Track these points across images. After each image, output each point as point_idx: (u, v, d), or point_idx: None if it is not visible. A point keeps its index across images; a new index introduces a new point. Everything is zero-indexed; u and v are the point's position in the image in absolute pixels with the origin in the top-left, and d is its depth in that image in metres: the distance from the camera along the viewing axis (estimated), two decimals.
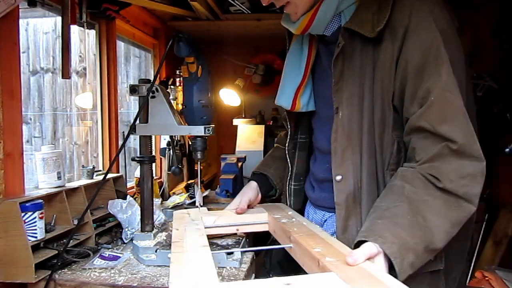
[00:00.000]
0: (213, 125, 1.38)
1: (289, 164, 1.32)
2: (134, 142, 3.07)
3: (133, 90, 1.36)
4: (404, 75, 0.99)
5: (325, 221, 1.21)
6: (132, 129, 1.35)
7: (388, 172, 1.04)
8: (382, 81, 1.02)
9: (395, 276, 0.82)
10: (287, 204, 1.36)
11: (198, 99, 1.35)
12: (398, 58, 0.99)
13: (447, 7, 1.02)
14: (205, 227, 1.17)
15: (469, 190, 0.93)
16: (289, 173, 1.33)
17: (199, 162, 1.42)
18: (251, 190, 1.39)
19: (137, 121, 1.34)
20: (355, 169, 1.05)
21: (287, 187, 1.34)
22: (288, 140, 1.32)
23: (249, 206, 1.36)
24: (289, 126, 1.32)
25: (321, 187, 1.21)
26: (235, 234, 1.37)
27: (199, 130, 1.35)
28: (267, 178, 1.42)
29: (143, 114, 1.36)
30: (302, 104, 1.21)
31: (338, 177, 1.06)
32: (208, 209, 1.41)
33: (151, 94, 1.34)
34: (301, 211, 1.34)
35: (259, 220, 1.23)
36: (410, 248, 0.88)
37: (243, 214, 1.29)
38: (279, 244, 1.15)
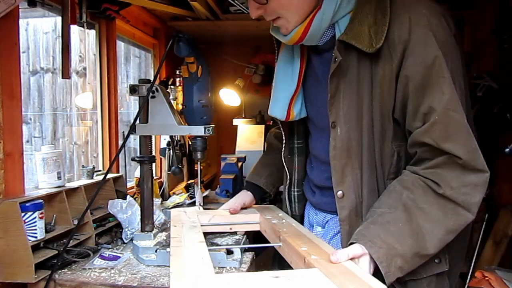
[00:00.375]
0: (213, 125, 1.38)
1: (287, 171, 1.30)
2: (134, 142, 3.07)
3: (133, 90, 1.36)
4: (406, 92, 0.97)
5: (326, 222, 1.21)
6: (132, 129, 1.35)
7: (388, 182, 1.05)
8: (381, 96, 1.00)
9: (383, 278, 0.87)
10: (288, 211, 1.34)
11: (198, 99, 1.35)
12: (398, 73, 0.97)
13: (444, 13, 0.99)
14: (201, 225, 1.19)
15: (469, 199, 0.93)
16: (288, 180, 1.31)
17: (199, 162, 1.42)
18: (246, 195, 1.45)
19: (137, 121, 1.34)
20: (356, 184, 1.04)
21: (288, 194, 1.32)
22: (283, 147, 1.30)
23: (243, 208, 1.42)
24: (282, 133, 1.29)
25: (322, 193, 1.20)
26: (235, 233, 1.38)
27: (199, 130, 1.35)
28: (260, 187, 1.45)
29: (143, 114, 1.36)
30: (296, 113, 1.19)
31: (339, 193, 1.05)
32: (205, 209, 1.42)
33: (151, 94, 1.34)
34: (304, 216, 1.34)
35: (251, 220, 1.27)
36: (397, 254, 0.90)
37: (236, 214, 1.32)
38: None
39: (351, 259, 0.88)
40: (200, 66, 1.34)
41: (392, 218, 0.94)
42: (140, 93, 1.36)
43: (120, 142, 2.17)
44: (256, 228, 1.27)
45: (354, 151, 1.03)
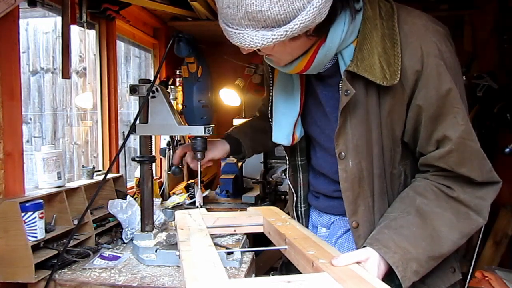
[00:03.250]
0: (213, 125, 1.38)
1: (292, 189, 1.28)
2: (134, 142, 3.07)
3: (133, 90, 1.36)
4: (418, 119, 0.97)
5: (332, 223, 1.20)
6: (132, 129, 1.35)
7: None
8: (391, 124, 0.99)
9: (400, 284, 0.88)
10: None
11: (198, 99, 1.35)
12: (409, 102, 0.96)
13: (446, 32, 0.98)
14: (206, 227, 1.19)
15: (481, 203, 0.96)
16: (295, 198, 1.29)
17: (199, 162, 1.42)
18: (224, 146, 1.40)
19: (137, 121, 1.34)
20: (369, 212, 1.04)
21: (295, 211, 1.29)
22: (287, 165, 1.29)
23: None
24: (285, 153, 1.27)
25: (328, 199, 1.18)
26: (235, 234, 1.38)
27: (199, 130, 1.34)
28: (240, 144, 1.42)
29: (143, 114, 1.36)
30: (298, 136, 1.17)
31: (354, 223, 1.05)
32: (208, 210, 1.42)
33: (151, 94, 1.34)
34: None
35: (255, 222, 1.27)
36: (412, 258, 0.91)
37: (240, 217, 1.31)
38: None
39: (357, 263, 0.87)
40: (200, 66, 1.34)
41: (405, 222, 0.94)
42: (140, 93, 1.36)
43: (120, 142, 2.17)
44: (259, 230, 1.27)
45: (365, 181, 1.03)
